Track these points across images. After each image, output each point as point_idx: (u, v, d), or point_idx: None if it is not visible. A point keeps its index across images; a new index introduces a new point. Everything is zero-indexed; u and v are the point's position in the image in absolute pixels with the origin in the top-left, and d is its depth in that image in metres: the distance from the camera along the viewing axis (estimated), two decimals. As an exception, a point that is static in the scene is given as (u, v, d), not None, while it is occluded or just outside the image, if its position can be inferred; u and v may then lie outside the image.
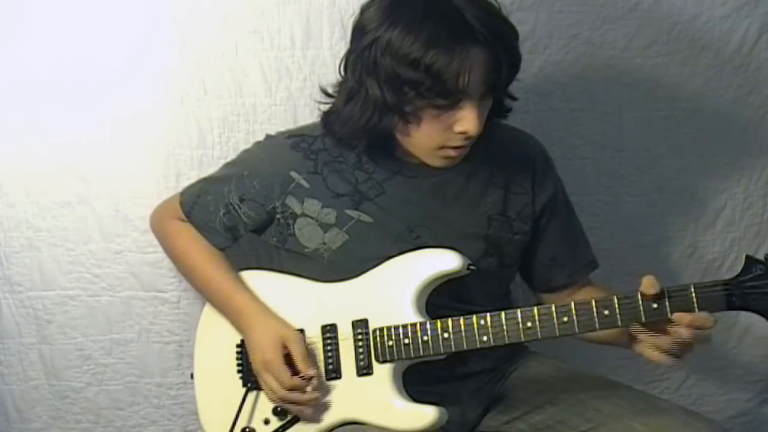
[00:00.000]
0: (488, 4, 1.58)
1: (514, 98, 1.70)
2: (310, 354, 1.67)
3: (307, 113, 1.98)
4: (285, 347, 1.67)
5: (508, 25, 1.59)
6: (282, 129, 1.85)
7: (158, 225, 1.91)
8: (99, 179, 2.01)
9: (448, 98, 1.54)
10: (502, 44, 1.55)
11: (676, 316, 1.49)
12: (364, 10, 1.61)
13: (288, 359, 1.66)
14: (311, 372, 1.64)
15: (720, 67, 2.10)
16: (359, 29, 1.60)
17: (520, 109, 2.00)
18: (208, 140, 2.01)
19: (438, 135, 1.60)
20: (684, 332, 1.48)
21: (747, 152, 2.15)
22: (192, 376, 1.83)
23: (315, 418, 1.67)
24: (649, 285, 1.50)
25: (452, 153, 1.63)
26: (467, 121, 1.57)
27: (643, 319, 1.51)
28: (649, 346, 1.55)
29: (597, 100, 2.09)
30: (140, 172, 2.00)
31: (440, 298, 1.67)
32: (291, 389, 1.65)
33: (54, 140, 1.99)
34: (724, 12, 2.07)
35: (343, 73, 1.66)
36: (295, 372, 1.65)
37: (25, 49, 1.96)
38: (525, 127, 1.96)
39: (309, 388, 1.64)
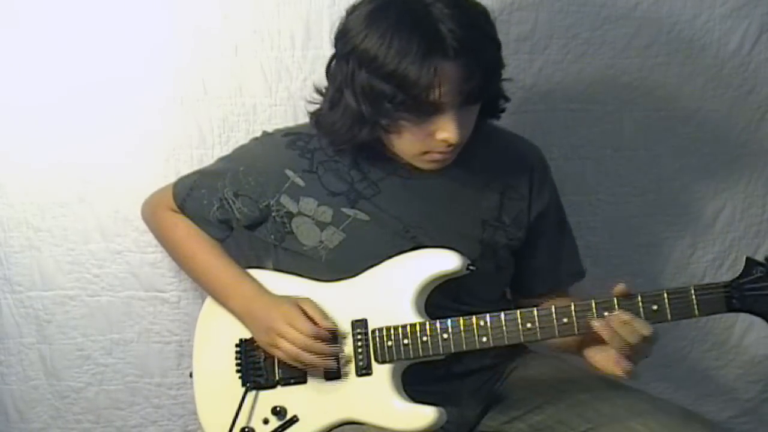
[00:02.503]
0: (470, 13, 1.55)
1: (506, 99, 1.69)
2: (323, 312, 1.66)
3: (308, 113, 1.98)
4: (300, 308, 1.66)
5: (487, 37, 1.56)
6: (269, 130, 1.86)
7: (151, 215, 1.91)
8: (99, 179, 2.01)
9: (423, 110, 1.54)
10: (474, 57, 1.52)
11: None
12: (348, 14, 1.60)
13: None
14: (329, 323, 1.63)
15: (720, 67, 2.09)
16: (341, 35, 1.60)
17: (520, 109, 2.01)
18: (208, 140, 2.01)
19: (420, 143, 1.60)
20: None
21: (747, 152, 2.15)
22: (191, 375, 1.83)
23: (314, 418, 1.67)
24: (620, 290, 1.52)
25: (438, 157, 1.62)
26: (446, 130, 1.56)
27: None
28: (599, 354, 1.55)
29: (597, 100, 2.08)
30: (140, 172, 2.00)
31: (439, 299, 1.66)
32: (315, 338, 1.62)
33: (54, 140, 1.99)
34: (724, 12, 2.07)
35: (326, 78, 1.66)
36: None
37: (24, 49, 1.96)
38: (525, 127, 1.97)
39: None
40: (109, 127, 1.99)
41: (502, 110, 1.70)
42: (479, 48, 1.53)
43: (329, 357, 1.63)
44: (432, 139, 1.59)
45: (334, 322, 1.65)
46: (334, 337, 1.65)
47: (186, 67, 1.98)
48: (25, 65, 1.96)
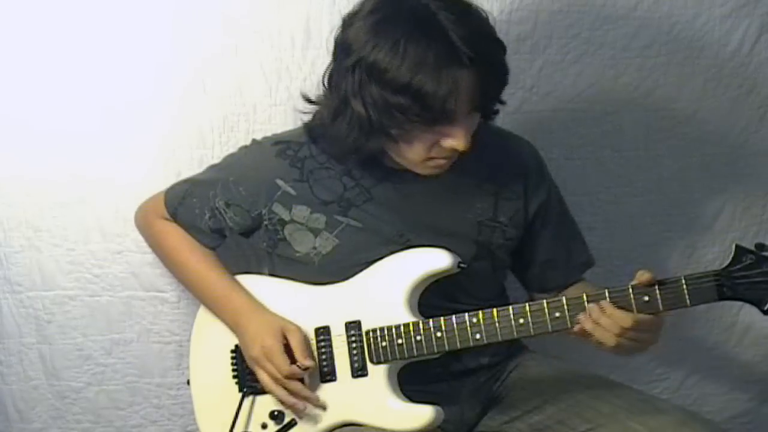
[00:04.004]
0: (475, 19, 1.54)
1: (502, 102, 1.67)
2: (311, 353, 1.67)
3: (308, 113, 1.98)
4: (284, 338, 1.67)
5: (495, 42, 1.56)
6: (282, 129, 1.86)
7: (143, 223, 1.92)
8: (99, 179, 2.01)
9: (436, 120, 1.53)
10: (489, 64, 1.52)
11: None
12: (347, 25, 1.57)
13: (286, 351, 1.66)
14: (309, 362, 1.64)
15: (720, 67, 2.09)
16: (343, 46, 1.57)
17: (520, 109, 2.01)
18: (208, 140, 2.01)
19: (426, 150, 1.59)
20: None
21: (747, 152, 2.15)
22: (188, 382, 1.83)
23: (312, 420, 1.67)
24: (641, 275, 1.52)
25: (442, 163, 1.62)
26: (455, 138, 1.55)
27: (635, 311, 1.51)
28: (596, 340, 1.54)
29: (597, 100, 2.08)
30: (140, 172, 2.00)
31: (436, 300, 1.66)
32: (290, 377, 1.64)
33: (54, 140, 1.99)
34: (724, 12, 2.07)
35: (326, 87, 1.64)
36: (293, 363, 1.65)
37: (24, 49, 1.96)
38: (525, 127, 1.97)
39: (307, 379, 1.64)
40: (109, 127, 1.99)
41: (497, 112, 1.69)
42: (491, 54, 1.54)
43: (304, 397, 1.65)
44: (439, 146, 1.58)
45: (314, 362, 1.65)
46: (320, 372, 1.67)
47: (186, 67, 1.98)
48: (26, 66, 1.96)
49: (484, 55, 1.51)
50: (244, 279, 1.79)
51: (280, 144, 1.75)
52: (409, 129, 1.55)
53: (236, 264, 1.85)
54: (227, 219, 1.77)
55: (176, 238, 1.82)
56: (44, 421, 2.09)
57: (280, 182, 1.72)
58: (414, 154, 1.60)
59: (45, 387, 2.08)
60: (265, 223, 1.74)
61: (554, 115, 2.08)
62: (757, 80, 2.11)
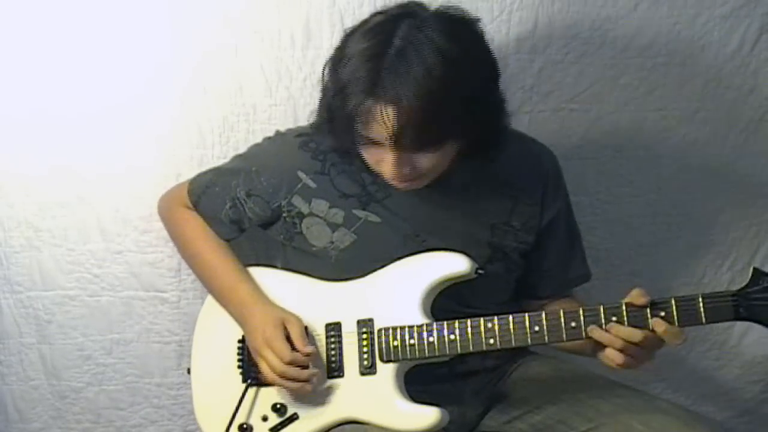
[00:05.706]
0: (430, 61, 1.47)
1: (496, 141, 1.64)
2: (310, 343, 1.67)
3: (307, 113, 1.97)
4: (285, 328, 1.67)
5: (441, 87, 1.47)
6: (282, 129, 1.86)
7: (166, 211, 1.92)
8: (99, 179, 2.01)
9: (359, 140, 1.55)
10: (404, 105, 1.46)
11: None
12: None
13: (288, 342, 1.66)
14: (309, 348, 1.64)
15: (720, 67, 2.09)
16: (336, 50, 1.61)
17: (520, 110, 2.01)
18: (208, 140, 2.01)
19: (375, 166, 1.61)
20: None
21: (747, 152, 2.15)
22: (188, 371, 1.83)
23: (314, 415, 1.67)
24: (637, 295, 1.53)
25: (399, 185, 1.62)
26: (385, 167, 1.57)
27: (650, 327, 1.52)
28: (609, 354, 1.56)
29: (597, 100, 2.08)
30: (140, 172, 2.00)
31: (446, 301, 1.67)
32: (290, 364, 1.64)
33: (54, 140, 1.99)
34: (724, 12, 2.07)
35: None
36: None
37: (24, 49, 1.95)
38: (525, 127, 1.97)
39: (311, 368, 1.64)
40: (108, 127, 1.99)
41: (485, 154, 1.64)
42: (416, 99, 1.46)
43: (305, 382, 1.64)
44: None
45: (314, 348, 1.65)
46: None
47: (186, 67, 1.98)
48: (26, 66, 1.96)
49: (407, 97, 1.46)
50: (260, 272, 1.79)
51: (304, 136, 1.76)
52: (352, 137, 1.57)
53: (248, 257, 1.85)
54: (247, 209, 1.77)
55: (193, 227, 1.83)
56: (44, 421, 2.09)
57: (301, 174, 1.73)
58: (369, 161, 1.61)
59: (45, 387, 2.08)
60: (284, 215, 1.75)
61: (554, 115, 2.08)
62: (757, 80, 2.10)
